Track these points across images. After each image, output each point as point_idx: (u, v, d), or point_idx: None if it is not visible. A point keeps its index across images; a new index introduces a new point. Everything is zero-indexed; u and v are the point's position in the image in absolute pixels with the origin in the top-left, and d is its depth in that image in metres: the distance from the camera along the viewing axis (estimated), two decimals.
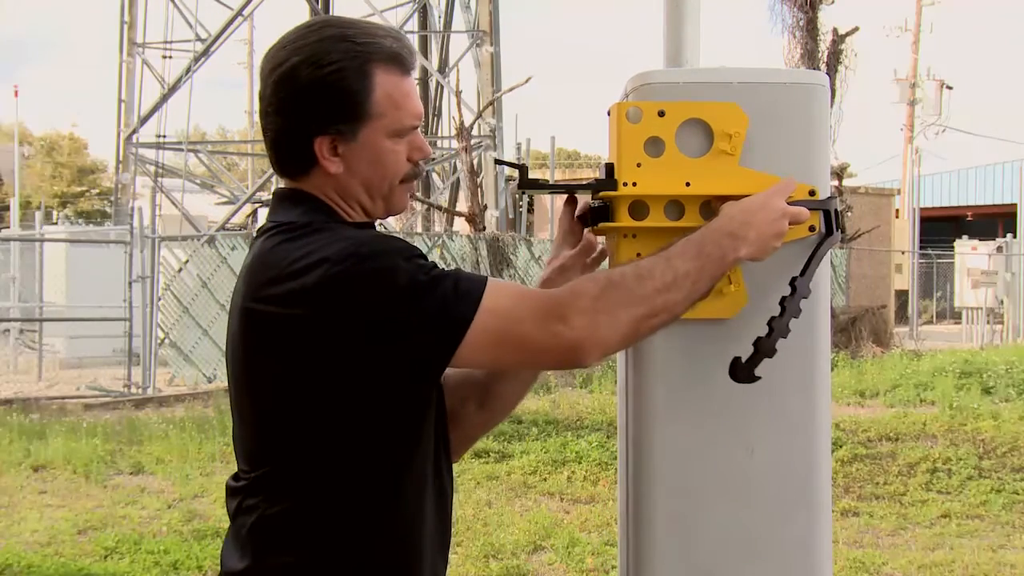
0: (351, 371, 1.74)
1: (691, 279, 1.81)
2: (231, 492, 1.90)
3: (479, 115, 20.72)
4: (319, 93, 1.81)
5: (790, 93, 2.04)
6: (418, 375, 1.77)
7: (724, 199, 1.99)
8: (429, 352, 1.72)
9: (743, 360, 1.92)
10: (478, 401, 2.09)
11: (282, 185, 1.93)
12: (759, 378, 1.93)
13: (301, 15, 24.96)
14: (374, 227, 1.90)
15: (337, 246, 1.73)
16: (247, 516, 1.84)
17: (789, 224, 1.92)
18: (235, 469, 1.92)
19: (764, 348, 1.91)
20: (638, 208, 2.00)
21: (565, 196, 2.17)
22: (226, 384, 1.96)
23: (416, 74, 1.94)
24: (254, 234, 1.92)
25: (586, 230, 2.15)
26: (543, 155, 31.38)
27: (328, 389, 1.75)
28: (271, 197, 1.98)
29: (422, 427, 1.85)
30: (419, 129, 1.91)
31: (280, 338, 1.75)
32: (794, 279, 1.94)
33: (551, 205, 23.56)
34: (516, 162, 2.25)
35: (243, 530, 1.84)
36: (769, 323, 1.91)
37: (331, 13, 23.79)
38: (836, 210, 2.02)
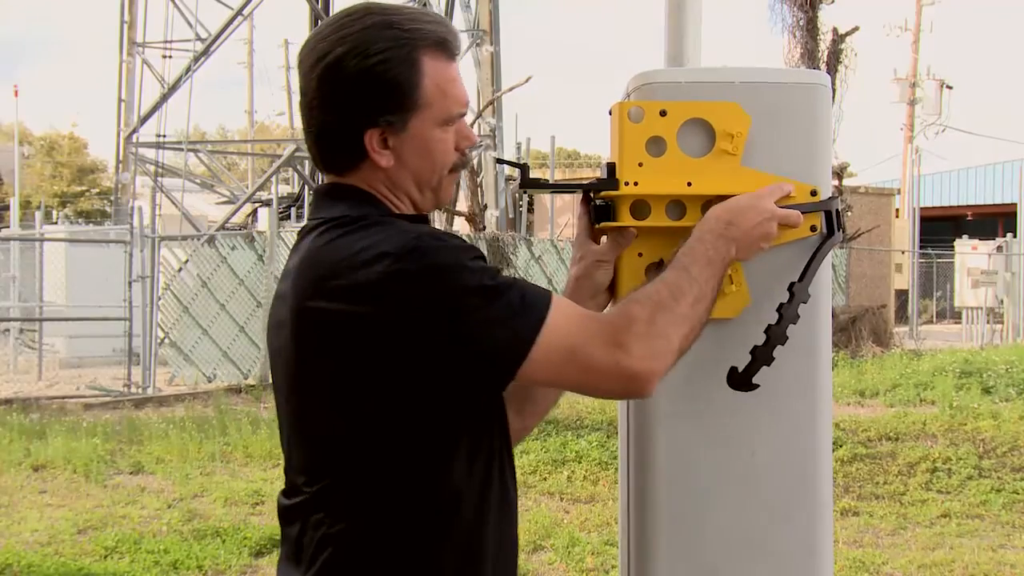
0: (415, 372, 1.67)
1: (710, 286, 1.81)
2: (287, 510, 1.82)
3: (479, 115, 20.71)
4: (367, 84, 1.74)
5: (792, 93, 2.04)
6: (481, 384, 1.72)
7: (726, 199, 1.99)
8: (493, 363, 1.67)
9: (740, 369, 1.92)
10: (517, 408, 1.99)
11: (325, 181, 1.86)
12: (757, 386, 1.92)
13: (301, 15, 24.95)
14: (427, 220, 1.84)
15: (398, 240, 1.67)
16: (308, 533, 1.76)
17: (785, 227, 1.92)
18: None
19: (761, 356, 1.91)
20: (640, 208, 2.00)
21: (570, 195, 2.17)
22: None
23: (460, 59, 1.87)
24: (297, 234, 1.86)
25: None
26: (543, 155, 31.39)
27: (390, 390, 1.68)
28: (312, 194, 1.89)
29: (488, 436, 1.79)
30: (465, 116, 1.86)
31: (340, 336, 1.67)
32: (792, 284, 1.94)
33: (551, 205, 23.56)
34: (517, 161, 2.24)
35: (305, 549, 1.76)
36: (766, 331, 1.91)
37: (331, 13, 23.80)
38: (837, 210, 2.02)
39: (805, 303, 1.94)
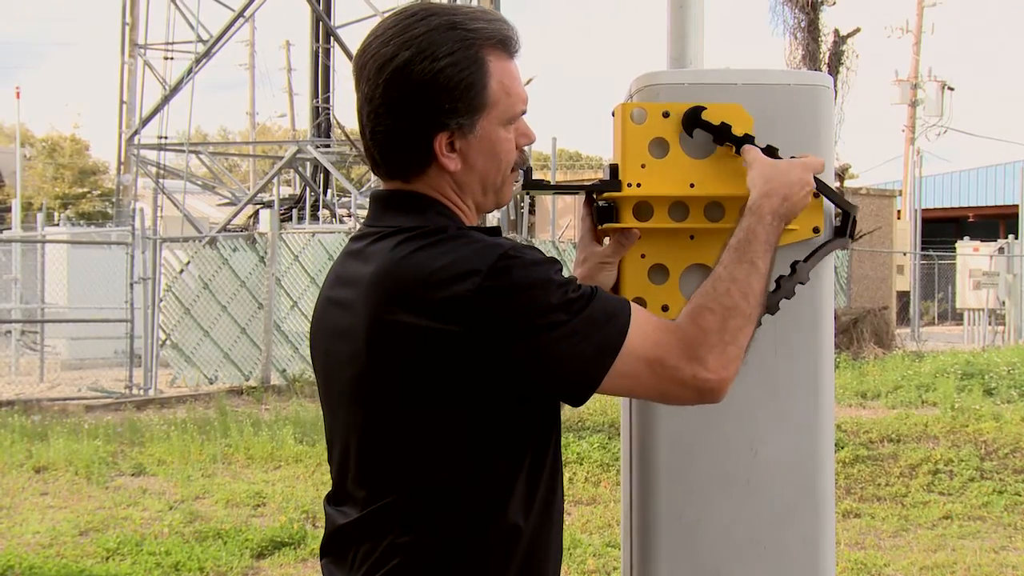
0: (498, 386, 1.68)
1: (769, 270, 1.81)
2: (344, 528, 1.79)
3: None
4: (437, 88, 1.71)
5: (795, 94, 2.04)
6: (564, 396, 1.71)
7: (728, 201, 1.99)
8: (578, 376, 1.67)
9: None
10: None
11: (387, 186, 1.83)
12: (779, 308, 1.92)
13: (303, 17, 25.00)
14: (500, 232, 1.80)
15: (486, 255, 1.66)
16: (371, 548, 1.74)
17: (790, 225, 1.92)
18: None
19: None
20: (642, 209, 2.00)
21: (572, 197, 2.16)
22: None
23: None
24: (352, 238, 1.84)
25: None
26: (544, 156, 31.39)
27: (472, 405, 1.69)
28: (373, 199, 1.85)
29: (549, 448, 1.80)
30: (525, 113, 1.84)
31: (427, 351, 1.65)
32: (795, 262, 1.95)
33: (553, 207, 23.55)
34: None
35: (366, 560, 1.74)
36: None
37: (333, 15, 23.82)
38: (855, 217, 2.02)
39: (803, 284, 1.95)
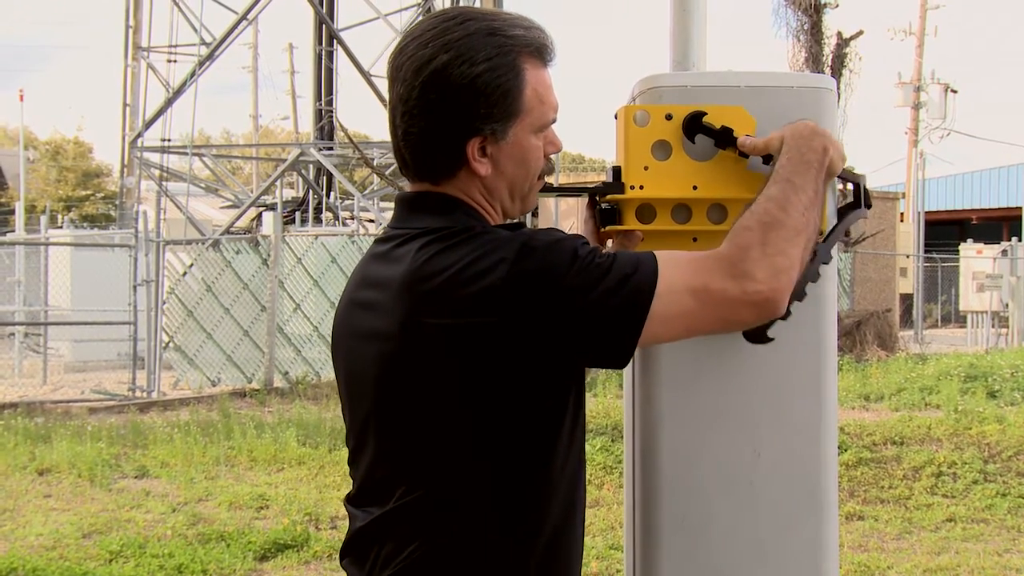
0: (542, 369, 1.70)
1: (814, 189, 1.80)
2: (366, 527, 1.80)
3: None
4: (474, 92, 1.73)
5: (798, 97, 2.04)
6: (612, 353, 1.69)
7: (731, 203, 1.99)
8: (620, 325, 1.66)
9: None
10: None
11: (414, 188, 1.84)
12: (772, 339, 1.91)
13: (305, 20, 25.01)
14: (524, 226, 1.81)
15: (509, 245, 1.67)
16: (395, 547, 1.75)
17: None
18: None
19: None
20: (645, 211, 2.00)
21: (575, 199, 2.16)
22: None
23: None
24: (377, 240, 1.85)
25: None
26: None
27: (515, 393, 1.70)
28: (399, 201, 1.87)
29: (575, 444, 1.81)
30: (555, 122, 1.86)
31: (467, 348, 1.67)
32: (815, 244, 1.94)
33: (555, 209, 23.54)
34: None
35: (394, 564, 1.75)
36: None
37: (336, 17, 23.83)
38: (864, 186, 2.02)
39: (826, 264, 1.94)
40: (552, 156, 1.87)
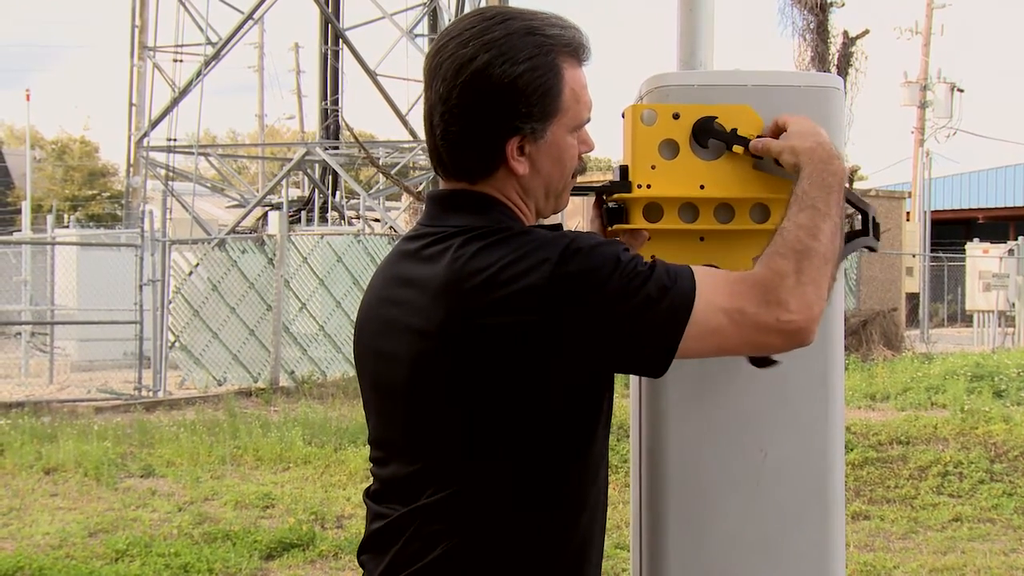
0: (580, 369, 1.71)
1: (838, 212, 1.81)
2: (388, 525, 1.80)
3: None
4: (515, 92, 1.74)
5: (805, 96, 2.04)
6: (648, 363, 1.71)
7: (738, 202, 1.99)
8: (659, 338, 1.68)
9: None
10: None
11: (447, 186, 1.84)
12: (777, 362, 1.92)
13: (312, 19, 25.01)
14: (562, 228, 1.83)
15: (553, 246, 1.68)
16: (418, 545, 1.75)
17: None
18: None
19: None
20: (652, 210, 2.00)
21: (581, 198, 2.15)
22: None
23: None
24: (408, 239, 1.85)
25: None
26: None
27: (553, 392, 1.71)
28: (433, 199, 1.86)
29: (601, 438, 1.82)
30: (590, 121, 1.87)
31: (501, 347, 1.67)
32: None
33: (561, 208, 23.52)
34: None
35: (416, 561, 1.75)
36: None
37: (341, 17, 23.84)
38: (874, 217, 2.01)
39: None
40: (585, 155, 1.87)
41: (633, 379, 2.17)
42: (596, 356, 1.70)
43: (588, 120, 1.84)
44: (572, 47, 1.79)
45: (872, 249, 2.01)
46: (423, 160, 21.97)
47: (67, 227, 24.70)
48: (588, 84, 1.83)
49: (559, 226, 1.83)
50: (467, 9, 23.45)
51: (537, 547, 1.75)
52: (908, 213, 28.73)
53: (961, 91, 34.89)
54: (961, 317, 29.58)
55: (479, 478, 1.73)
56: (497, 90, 1.73)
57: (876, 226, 2.01)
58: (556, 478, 1.75)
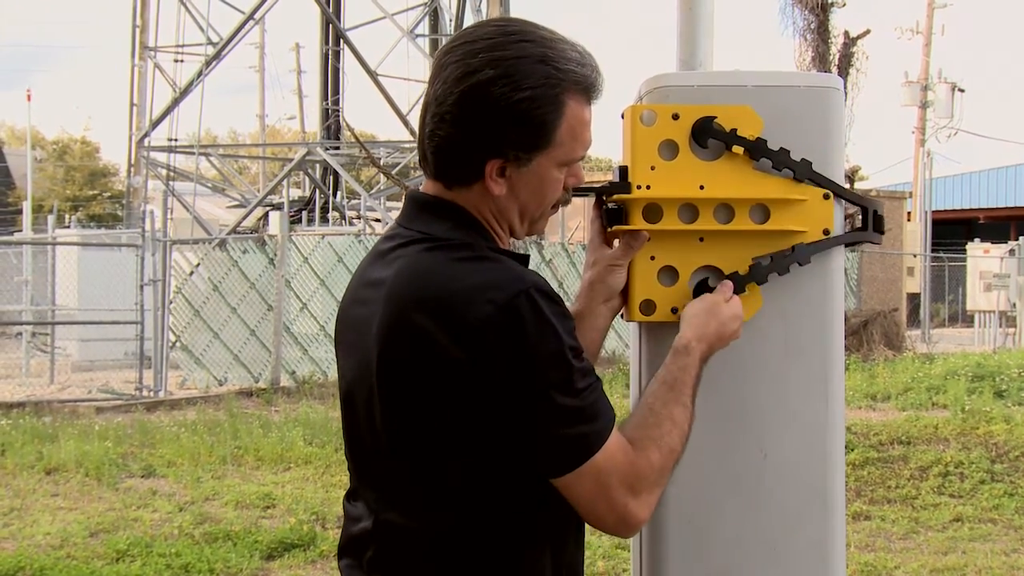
0: (489, 420, 1.67)
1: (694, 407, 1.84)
2: (361, 534, 1.80)
3: None
4: (508, 116, 1.71)
5: (805, 96, 2.04)
6: (522, 464, 1.69)
7: (738, 203, 1.99)
8: (548, 456, 1.67)
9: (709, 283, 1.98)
10: None
11: (427, 188, 1.83)
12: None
13: (312, 19, 24.99)
14: (528, 261, 1.81)
15: (504, 286, 1.66)
16: (384, 556, 1.76)
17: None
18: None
19: (737, 281, 1.97)
20: (652, 211, 2.00)
21: (581, 199, 2.15)
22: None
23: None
24: (382, 238, 1.84)
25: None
26: None
27: (469, 425, 1.68)
28: (409, 200, 1.85)
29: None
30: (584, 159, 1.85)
31: (429, 362, 1.66)
32: (798, 244, 1.97)
33: (561, 208, 23.50)
34: None
35: (399, 569, 1.76)
36: (753, 260, 1.98)
37: (342, 17, 23.85)
38: (875, 211, 2.02)
39: (801, 265, 1.98)
40: (571, 189, 1.86)
41: (634, 378, 2.17)
42: (496, 424, 1.66)
43: (582, 158, 1.82)
44: (583, 85, 1.77)
45: (875, 242, 2.03)
46: None
47: (68, 227, 24.70)
48: (591, 123, 1.80)
49: (526, 259, 1.80)
50: (467, 10, 23.48)
51: (515, 558, 1.74)
52: (909, 213, 28.72)
53: (962, 91, 34.85)
54: (962, 317, 29.58)
55: (427, 492, 1.72)
56: (492, 109, 1.71)
57: (878, 220, 2.01)
58: (521, 491, 1.72)
